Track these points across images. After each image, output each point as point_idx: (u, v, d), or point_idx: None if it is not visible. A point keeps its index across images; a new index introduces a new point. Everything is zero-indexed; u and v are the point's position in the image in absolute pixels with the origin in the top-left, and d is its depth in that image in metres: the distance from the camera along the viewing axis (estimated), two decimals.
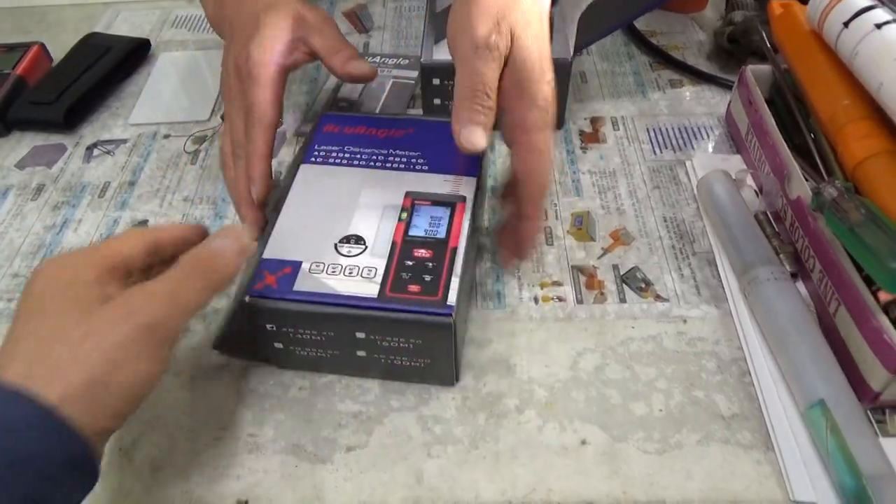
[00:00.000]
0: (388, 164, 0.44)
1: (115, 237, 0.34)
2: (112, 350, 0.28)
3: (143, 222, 0.51)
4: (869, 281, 0.37)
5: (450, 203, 0.41)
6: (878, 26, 0.40)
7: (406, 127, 0.46)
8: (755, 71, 0.51)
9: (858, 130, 0.41)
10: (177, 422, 0.39)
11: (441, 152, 0.44)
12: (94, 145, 0.58)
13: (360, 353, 0.39)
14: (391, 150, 0.45)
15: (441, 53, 0.53)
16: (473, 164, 0.43)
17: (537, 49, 0.37)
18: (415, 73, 0.62)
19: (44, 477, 0.26)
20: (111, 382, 0.28)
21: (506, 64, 0.37)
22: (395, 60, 0.64)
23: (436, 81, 0.53)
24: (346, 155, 0.45)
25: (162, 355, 0.31)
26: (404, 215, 0.40)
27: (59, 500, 0.28)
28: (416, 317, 0.36)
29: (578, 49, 0.53)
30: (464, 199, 0.41)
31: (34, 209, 0.53)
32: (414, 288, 0.37)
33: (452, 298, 0.36)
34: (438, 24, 0.55)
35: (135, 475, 0.37)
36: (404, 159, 0.44)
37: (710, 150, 0.55)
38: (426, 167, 0.43)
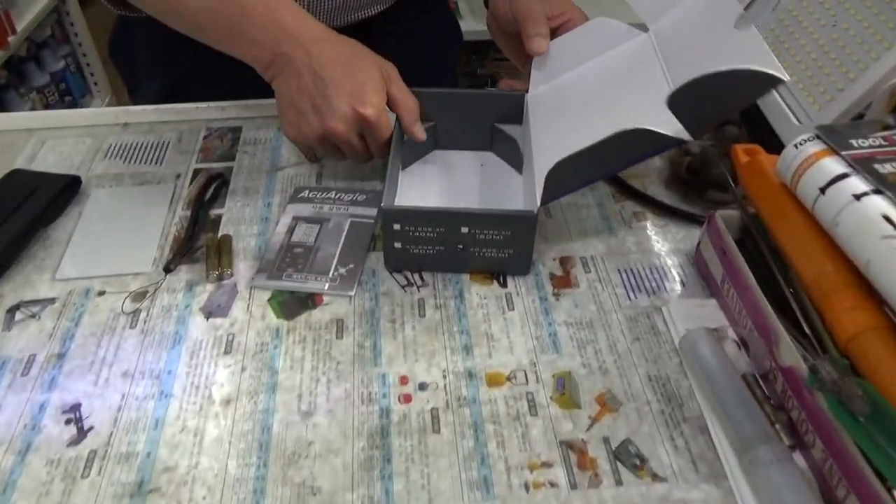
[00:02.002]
0: None
1: None
2: None
3: (75, 407, 0.45)
4: (881, 474, 0.35)
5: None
6: (857, 197, 0.40)
7: None
8: (723, 216, 0.51)
9: (847, 300, 0.40)
10: None
11: None
12: (16, 307, 0.52)
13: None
14: None
15: (404, 198, 0.59)
16: None
17: None
18: (373, 212, 0.59)
19: None
20: None
21: None
22: (351, 196, 0.61)
23: (396, 227, 0.51)
24: None
25: None
26: None
27: None
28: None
29: (544, 203, 0.52)
30: None
31: None
32: None
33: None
34: (406, 152, 0.61)
35: None
36: None
37: (684, 293, 0.53)
38: None
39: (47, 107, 1.88)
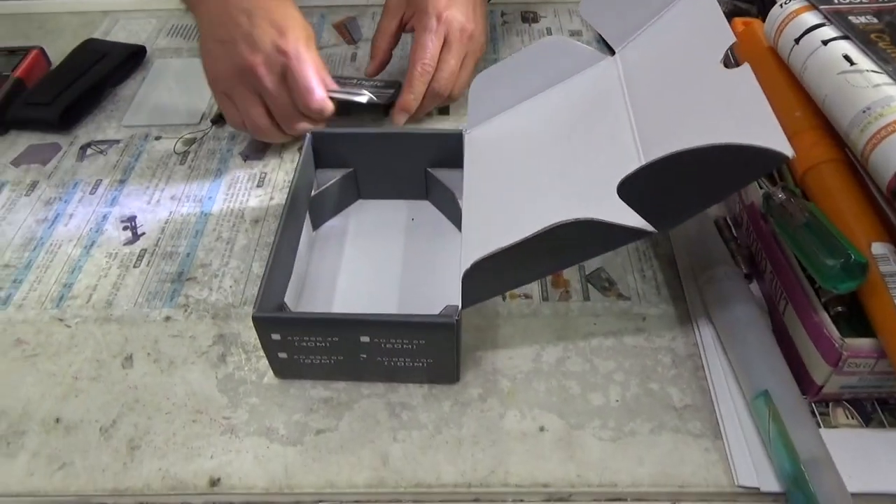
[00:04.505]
0: None
1: None
2: None
3: (131, 218, 0.53)
4: (813, 280, 0.39)
5: None
6: (825, 42, 0.43)
7: None
8: None
9: (808, 139, 0.43)
10: (155, 404, 0.41)
11: None
12: (88, 145, 0.61)
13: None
14: None
15: (312, 272, 0.48)
16: None
17: None
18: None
19: None
20: None
21: None
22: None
23: (275, 336, 0.39)
24: None
25: None
26: None
27: None
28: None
29: (468, 305, 0.39)
30: None
31: (27, 204, 0.55)
32: None
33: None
34: (319, 207, 0.51)
35: (113, 453, 0.39)
36: None
37: None
38: None
39: None
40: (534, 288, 0.47)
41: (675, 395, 0.41)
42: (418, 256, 0.49)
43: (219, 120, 0.62)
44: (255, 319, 0.38)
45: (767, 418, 0.37)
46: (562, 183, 0.39)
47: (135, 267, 0.50)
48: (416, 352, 0.39)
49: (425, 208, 0.53)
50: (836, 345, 0.36)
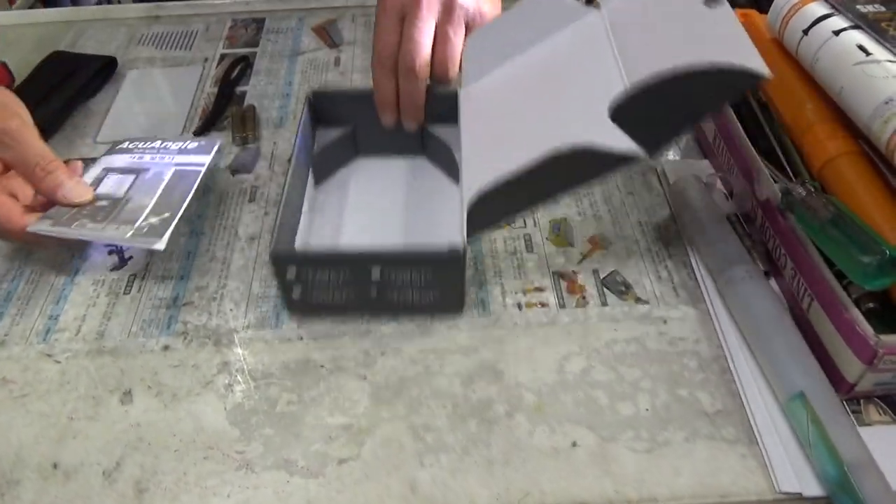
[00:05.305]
0: None
1: None
2: None
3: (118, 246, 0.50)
4: (839, 275, 0.38)
5: None
6: (836, 33, 0.42)
7: None
8: None
9: (822, 132, 0.43)
10: (161, 442, 0.39)
11: None
12: None
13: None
14: None
15: (316, 223, 0.49)
16: None
17: None
18: (202, 158, 0.50)
19: None
20: None
21: None
22: (178, 144, 0.51)
23: (290, 275, 0.41)
24: None
25: None
26: None
27: None
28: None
29: (473, 234, 0.42)
30: None
31: None
32: None
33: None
34: (320, 164, 0.52)
35: (119, 498, 0.36)
36: None
37: (679, 155, 0.56)
38: None
39: None
40: (549, 296, 0.46)
41: (706, 401, 0.40)
42: (418, 207, 0.51)
43: (203, 132, 0.59)
44: (272, 256, 0.41)
45: (806, 421, 0.36)
46: (554, 117, 0.42)
47: (125, 294, 0.47)
48: (425, 284, 0.42)
49: (422, 165, 0.54)
50: (871, 342, 0.35)
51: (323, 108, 0.52)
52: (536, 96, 0.44)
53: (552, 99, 0.43)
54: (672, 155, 0.56)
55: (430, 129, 0.52)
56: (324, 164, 0.52)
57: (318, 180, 0.52)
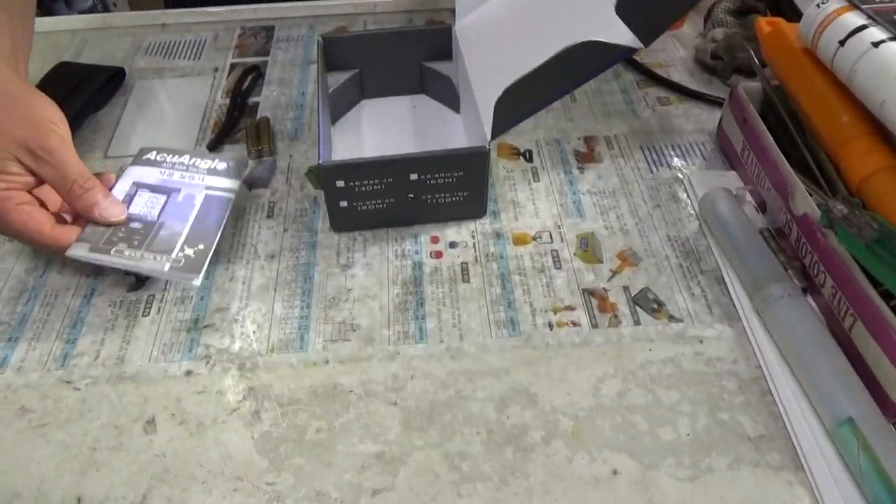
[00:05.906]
0: None
1: None
2: None
3: None
4: (885, 295, 0.37)
5: None
6: (875, 45, 0.41)
7: None
8: (745, 88, 0.52)
9: (861, 146, 0.42)
10: (188, 473, 0.37)
11: None
12: None
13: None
14: None
15: (338, 154, 0.54)
16: None
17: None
18: (231, 183, 0.49)
19: None
20: None
21: None
22: (207, 163, 0.50)
23: (340, 184, 0.47)
24: None
25: None
26: None
27: None
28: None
29: (496, 135, 0.47)
30: None
31: (12, 251, 0.50)
32: None
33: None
34: (331, 106, 0.56)
35: None
36: None
37: (705, 166, 0.55)
38: None
39: None
40: (580, 314, 0.45)
41: (748, 425, 0.39)
42: (426, 135, 0.57)
43: (216, 145, 0.58)
44: (322, 168, 0.45)
45: (856, 449, 0.35)
46: (555, 24, 0.47)
47: (144, 315, 0.45)
48: (455, 185, 0.48)
49: (424, 100, 0.61)
50: None
51: (332, 53, 0.57)
52: (533, 13, 0.50)
53: (550, 12, 0.49)
54: (696, 166, 0.55)
55: (428, 65, 0.58)
56: (335, 105, 0.57)
57: (332, 121, 0.58)
